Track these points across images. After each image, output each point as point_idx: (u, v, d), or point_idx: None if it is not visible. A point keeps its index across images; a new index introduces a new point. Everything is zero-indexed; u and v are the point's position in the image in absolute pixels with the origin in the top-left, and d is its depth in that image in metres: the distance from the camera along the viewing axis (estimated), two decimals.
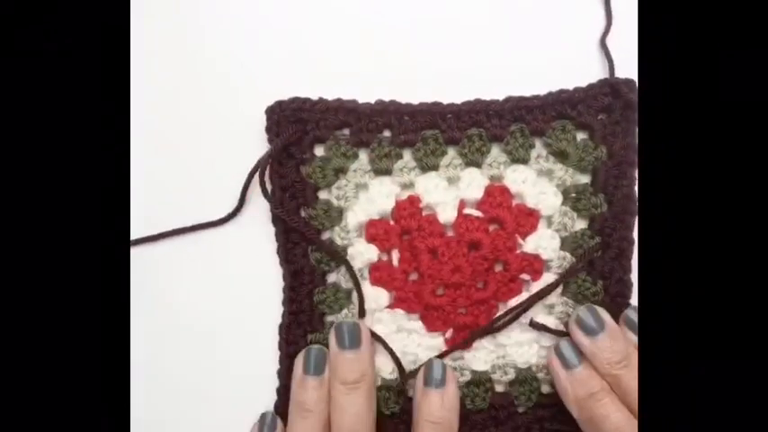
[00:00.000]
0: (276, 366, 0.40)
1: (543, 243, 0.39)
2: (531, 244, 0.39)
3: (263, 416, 0.39)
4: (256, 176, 0.39)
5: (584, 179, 0.40)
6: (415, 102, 0.40)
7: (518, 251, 0.39)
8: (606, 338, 0.35)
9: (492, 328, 0.38)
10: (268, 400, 0.40)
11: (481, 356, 0.39)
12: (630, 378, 0.34)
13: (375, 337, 0.39)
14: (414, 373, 0.38)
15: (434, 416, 0.36)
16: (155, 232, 0.41)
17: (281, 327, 0.40)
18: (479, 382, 0.39)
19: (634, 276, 0.39)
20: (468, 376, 0.39)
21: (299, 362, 0.38)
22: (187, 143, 0.42)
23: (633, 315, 0.37)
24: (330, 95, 0.40)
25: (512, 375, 0.39)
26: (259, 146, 0.40)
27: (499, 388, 0.40)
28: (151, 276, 0.41)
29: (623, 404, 0.35)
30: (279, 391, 0.40)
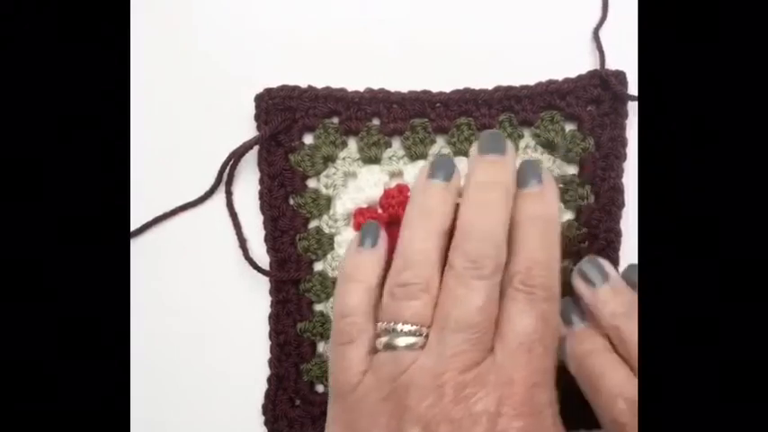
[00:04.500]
0: (266, 354, 0.40)
1: None
2: None
3: (368, 224, 0.35)
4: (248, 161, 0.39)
5: (572, 170, 0.40)
6: (405, 90, 0.40)
7: None
8: (609, 290, 0.34)
9: None
10: (258, 388, 0.40)
11: None
12: (632, 330, 0.33)
13: None
14: None
15: (535, 212, 0.33)
16: (140, 221, 0.41)
17: (270, 316, 0.40)
18: None
19: (621, 269, 0.39)
20: None
21: (424, 168, 0.34)
22: (175, 131, 0.42)
23: (632, 274, 0.35)
24: (320, 83, 0.40)
25: None
26: (248, 134, 0.40)
27: None
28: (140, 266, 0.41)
29: (624, 358, 0.33)
30: (270, 380, 0.40)
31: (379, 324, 0.31)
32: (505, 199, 0.32)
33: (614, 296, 0.34)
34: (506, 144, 0.34)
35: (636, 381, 0.32)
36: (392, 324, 0.31)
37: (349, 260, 0.34)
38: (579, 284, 0.35)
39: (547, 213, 0.33)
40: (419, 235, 0.32)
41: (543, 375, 0.31)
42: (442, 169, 0.33)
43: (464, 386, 0.29)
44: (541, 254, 0.32)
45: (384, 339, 0.31)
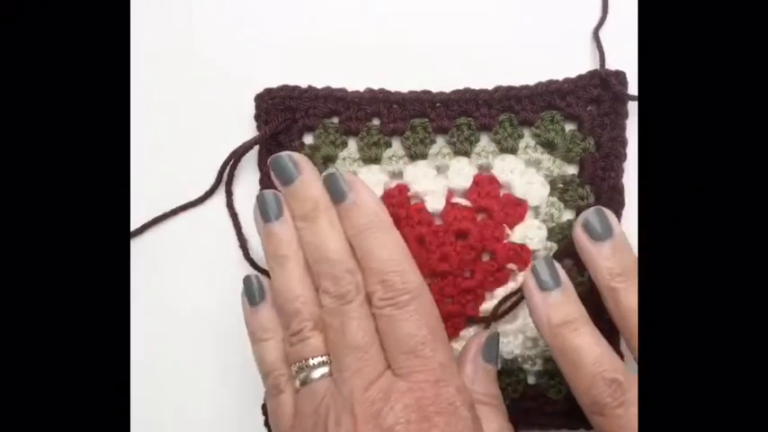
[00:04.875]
0: None
1: (530, 233, 0.39)
2: (518, 234, 0.39)
3: (247, 279, 0.36)
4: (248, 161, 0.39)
5: (572, 170, 0.40)
6: (405, 90, 0.40)
7: (505, 241, 0.39)
8: (611, 247, 0.33)
9: (495, 316, 0.38)
10: (258, 388, 0.40)
11: None
12: (628, 294, 0.32)
13: None
14: None
15: (359, 223, 0.34)
16: (140, 221, 0.41)
17: None
18: None
19: None
20: None
21: (256, 213, 0.35)
22: (175, 131, 0.42)
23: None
24: (320, 83, 0.40)
25: (498, 366, 0.39)
26: (248, 134, 0.40)
27: None
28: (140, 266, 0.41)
29: (618, 324, 0.33)
30: None
31: (291, 368, 0.34)
32: (329, 220, 0.34)
33: (616, 254, 0.33)
34: (300, 163, 0.35)
35: (617, 357, 0.32)
36: (302, 363, 0.33)
37: (250, 321, 0.36)
38: (581, 236, 0.34)
39: (369, 220, 0.33)
40: (285, 285, 0.34)
41: (442, 369, 0.32)
42: (270, 208, 0.35)
43: (371, 403, 0.31)
44: (383, 261, 0.33)
45: (301, 376, 0.33)
